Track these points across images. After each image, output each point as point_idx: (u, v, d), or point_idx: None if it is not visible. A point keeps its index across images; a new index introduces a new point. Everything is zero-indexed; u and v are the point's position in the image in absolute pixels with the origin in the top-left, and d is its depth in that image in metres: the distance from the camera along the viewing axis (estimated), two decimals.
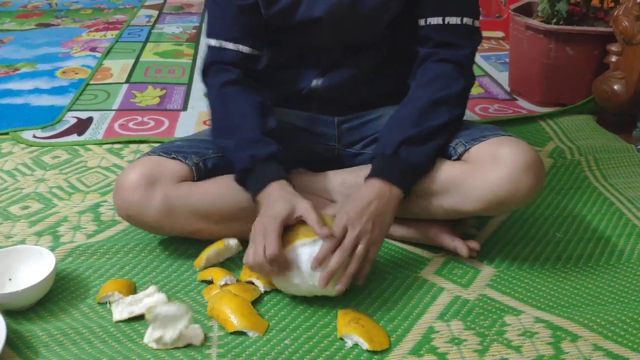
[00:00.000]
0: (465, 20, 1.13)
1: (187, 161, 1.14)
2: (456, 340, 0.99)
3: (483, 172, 1.07)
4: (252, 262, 1.00)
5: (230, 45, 1.16)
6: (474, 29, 1.16)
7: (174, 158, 1.13)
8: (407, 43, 1.19)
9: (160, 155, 1.14)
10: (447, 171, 1.11)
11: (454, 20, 1.13)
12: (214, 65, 1.19)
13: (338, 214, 1.03)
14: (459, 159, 1.13)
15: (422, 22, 1.15)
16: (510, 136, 1.12)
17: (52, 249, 1.17)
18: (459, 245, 1.15)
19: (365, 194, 1.04)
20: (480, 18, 2.90)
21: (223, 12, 1.17)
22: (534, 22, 1.83)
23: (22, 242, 1.23)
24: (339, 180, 1.21)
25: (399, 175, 1.07)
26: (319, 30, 1.17)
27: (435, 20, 1.13)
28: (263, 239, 1.00)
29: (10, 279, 1.09)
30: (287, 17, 1.16)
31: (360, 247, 1.01)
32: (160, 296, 1.04)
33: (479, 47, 1.20)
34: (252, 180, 1.10)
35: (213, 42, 1.18)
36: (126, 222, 1.15)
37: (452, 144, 1.14)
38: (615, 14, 1.63)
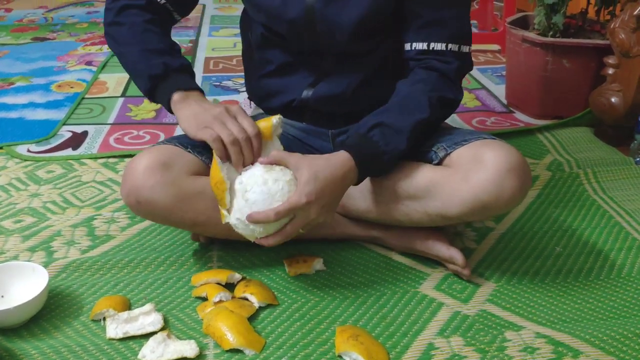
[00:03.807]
0: (451, 46, 1.13)
1: (202, 158, 1.12)
2: (456, 357, 0.97)
3: (465, 175, 1.05)
4: (229, 139, 1.01)
5: None
6: (461, 54, 1.15)
7: (190, 152, 1.11)
8: (398, 54, 1.19)
9: (176, 145, 1.12)
10: (428, 176, 1.09)
11: (438, 46, 1.13)
12: None
13: (301, 185, 0.99)
14: (440, 163, 1.12)
15: (407, 46, 1.16)
16: (493, 139, 1.10)
17: (46, 265, 1.15)
18: (455, 254, 1.14)
19: (331, 168, 1.02)
20: (477, 31, 2.93)
21: None
22: (531, 34, 1.84)
23: (15, 258, 1.21)
24: None
25: (362, 154, 1.05)
26: (295, 32, 1.16)
27: (420, 46, 1.14)
28: (232, 119, 1.03)
29: (2, 296, 1.07)
30: (263, 7, 1.16)
31: (299, 229, 1.03)
32: (157, 316, 1.03)
33: (468, 70, 1.20)
34: (166, 86, 1.11)
35: None
36: (121, 231, 1.13)
37: (434, 149, 1.13)
38: (612, 26, 1.63)
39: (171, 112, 1.12)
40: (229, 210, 1.03)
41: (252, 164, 1.04)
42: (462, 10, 1.17)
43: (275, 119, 1.07)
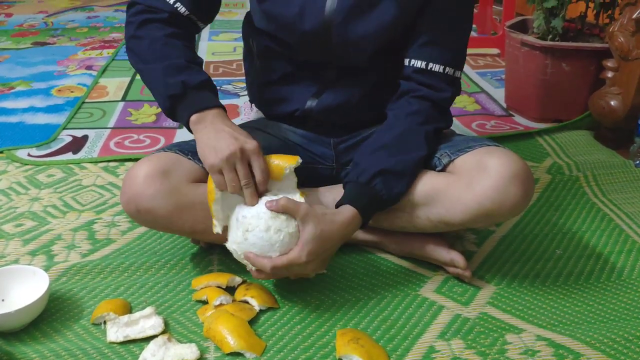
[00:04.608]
0: (447, 70, 1.15)
1: (202, 165, 1.10)
2: None
3: (468, 182, 1.05)
4: (232, 190, 1.00)
5: None
6: (454, 79, 1.17)
7: (190, 159, 1.11)
8: (399, 65, 1.19)
9: (176, 152, 1.11)
10: (431, 182, 1.10)
11: (436, 67, 1.15)
12: (141, 6, 1.14)
13: (303, 242, 1.00)
14: (443, 170, 1.12)
15: (406, 61, 1.17)
16: (497, 146, 1.11)
17: (46, 269, 1.16)
18: (456, 257, 1.14)
19: (336, 228, 1.02)
20: (476, 35, 2.95)
21: None
22: (530, 38, 1.84)
23: (16, 261, 1.21)
24: (330, 198, 1.19)
25: (367, 206, 1.07)
26: (306, 43, 1.16)
27: (419, 64, 1.15)
28: (244, 165, 1.00)
29: (3, 300, 1.07)
30: (277, 18, 1.15)
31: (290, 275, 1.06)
32: (157, 319, 1.03)
33: (458, 95, 1.21)
34: (184, 107, 1.07)
35: None
36: (118, 241, 1.13)
37: (437, 155, 1.14)
38: (610, 30, 1.64)
39: (191, 132, 1.10)
40: (219, 221, 1.04)
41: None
42: (464, 37, 1.19)
43: (288, 168, 1.05)
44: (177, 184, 1.07)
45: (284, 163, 1.05)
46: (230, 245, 1.04)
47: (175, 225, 1.10)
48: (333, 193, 1.20)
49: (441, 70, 1.15)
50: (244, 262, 1.04)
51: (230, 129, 1.04)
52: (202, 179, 1.10)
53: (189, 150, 1.12)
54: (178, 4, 1.12)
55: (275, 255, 1.00)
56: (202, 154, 1.04)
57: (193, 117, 1.07)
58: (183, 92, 1.07)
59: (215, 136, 1.03)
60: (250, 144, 1.02)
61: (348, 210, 1.05)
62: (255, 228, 1.00)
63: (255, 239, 1.00)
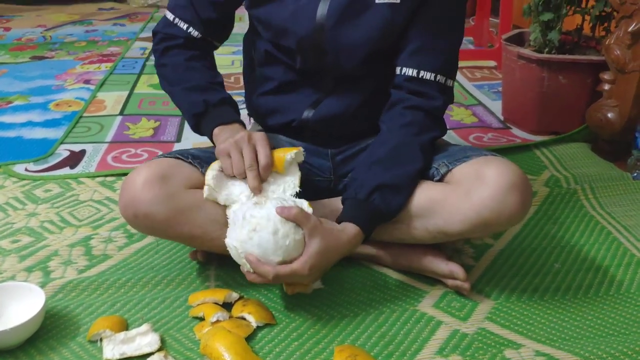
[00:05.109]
0: (439, 77, 1.16)
1: (202, 169, 1.12)
2: None
3: (466, 192, 1.05)
4: (237, 171, 1.05)
5: (182, 24, 1.21)
6: (446, 87, 1.18)
7: (190, 163, 1.12)
8: (393, 74, 1.19)
9: (176, 157, 1.13)
10: (429, 193, 1.10)
11: (427, 75, 1.15)
12: (161, 34, 1.23)
13: (308, 255, 1.00)
14: (441, 180, 1.12)
15: (397, 69, 1.17)
16: (494, 156, 1.11)
17: (43, 285, 1.15)
18: (455, 269, 1.14)
19: (341, 244, 1.04)
20: (473, 47, 2.95)
21: None
22: (526, 51, 1.85)
23: (12, 278, 1.21)
24: (329, 209, 1.19)
25: (368, 222, 1.08)
26: (302, 49, 1.16)
27: (410, 72, 1.15)
28: (250, 149, 1.05)
29: None
30: (271, 24, 1.17)
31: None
32: (154, 336, 1.02)
33: (450, 103, 1.22)
34: (207, 122, 1.16)
35: (169, 15, 1.22)
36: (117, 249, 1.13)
37: (435, 165, 1.15)
38: (607, 42, 1.64)
39: (215, 145, 1.14)
40: (209, 187, 1.06)
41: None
42: (455, 44, 1.20)
43: (289, 155, 1.08)
44: (175, 189, 1.07)
45: (286, 153, 1.09)
46: (230, 242, 1.03)
47: (173, 231, 1.09)
48: (335, 202, 1.20)
49: (432, 78, 1.15)
50: (242, 261, 1.03)
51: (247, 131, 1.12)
52: (201, 183, 1.10)
53: (189, 154, 1.14)
54: (191, 29, 1.20)
55: (277, 259, 1.00)
56: (217, 146, 1.09)
57: (216, 130, 1.14)
58: (205, 109, 1.16)
59: (232, 133, 1.11)
60: (259, 133, 1.10)
61: (351, 228, 1.05)
62: (263, 229, 1.00)
63: (261, 240, 1.00)
